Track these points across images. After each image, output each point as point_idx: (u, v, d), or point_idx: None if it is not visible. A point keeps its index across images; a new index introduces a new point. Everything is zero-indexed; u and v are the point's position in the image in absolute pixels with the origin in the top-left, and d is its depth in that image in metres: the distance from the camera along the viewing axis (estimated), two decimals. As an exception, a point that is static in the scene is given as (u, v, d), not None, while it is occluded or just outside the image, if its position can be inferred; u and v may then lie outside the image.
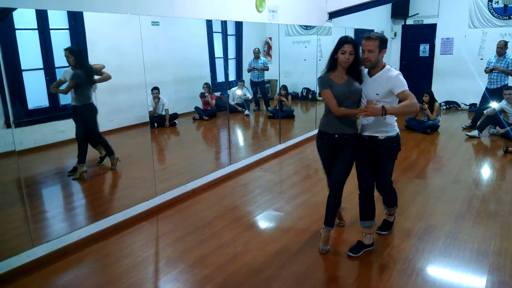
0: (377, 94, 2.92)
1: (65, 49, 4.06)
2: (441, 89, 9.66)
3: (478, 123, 7.15)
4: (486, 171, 5.29)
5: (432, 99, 7.31)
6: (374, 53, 2.87)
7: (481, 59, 9.19)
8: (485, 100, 7.36)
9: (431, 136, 7.12)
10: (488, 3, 9.03)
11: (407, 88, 2.85)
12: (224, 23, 5.52)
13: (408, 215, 3.87)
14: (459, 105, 9.84)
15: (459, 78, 9.70)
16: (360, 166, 3.19)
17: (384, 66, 2.96)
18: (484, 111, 7.02)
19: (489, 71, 7.17)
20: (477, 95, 8.33)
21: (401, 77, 2.90)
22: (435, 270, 3.01)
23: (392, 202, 3.45)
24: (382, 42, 2.88)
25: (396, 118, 3.05)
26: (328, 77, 3.07)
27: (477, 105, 8.24)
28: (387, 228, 3.57)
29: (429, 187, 4.70)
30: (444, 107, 9.83)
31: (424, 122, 7.34)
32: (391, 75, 2.89)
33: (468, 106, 9.62)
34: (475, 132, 6.88)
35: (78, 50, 4.27)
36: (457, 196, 4.32)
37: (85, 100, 4.27)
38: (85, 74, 4.16)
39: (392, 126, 3.02)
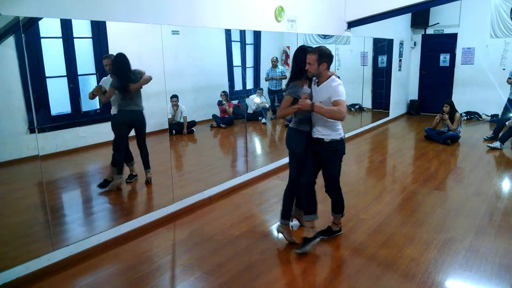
0: (321, 102, 3.21)
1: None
2: (462, 100, 9.51)
3: (500, 134, 7.00)
4: (508, 184, 5.16)
5: (453, 110, 7.20)
6: (313, 65, 3.21)
7: (503, 69, 9.03)
8: (507, 111, 7.21)
9: (452, 147, 7.00)
10: (510, 13, 8.88)
11: (343, 98, 3.16)
12: (243, 33, 5.57)
13: (427, 227, 3.80)
14: (480, 116, 9.67)
15: (481, 89, 9.54)
16: (307, 163, 3.46)
17: (329, 77, 3.27)
18: (506, 122, 6.87)
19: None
20: (499, 106, 8.18)
21: (341, 87, 3.20)
22: (455, 284, 2.94)
23: (338, 206, 3.60)
24: (321, 56, 3.19)
25: (340, 125, 3.35)
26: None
27: (499, 116, 8.08)
28: (326, 234, 3.64)
29: (449, 199, 4.62)
30: (465, 118, 9.67)
31: (444, 133, 7.22)
32: (331, 85, 3.22)
33: (490, 117, 9.44)
34: (496, 144, 6.73)
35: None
36: (478, 208, 4.23)
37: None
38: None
39: (336, 131, 3.33)
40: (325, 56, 3.22)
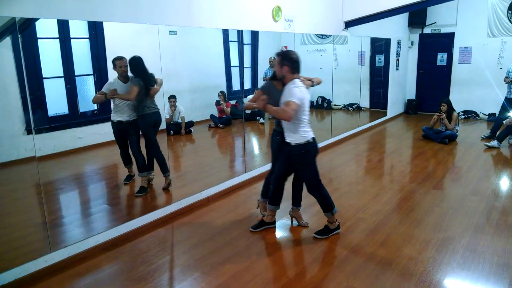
0: (282, 103, 3.35)
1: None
2: (459, 99, 9.53)
3: (497, 133, 7.01)
4: (505, 183, 5.17)
5: (450, 109, 7.22)
6: (277, 68, 3.40)
7: (501, 68, 9.05)
8: (504, 110, 7.23)
9: (449, 146, 7.02)
10: (507, 12, 8.91)
11: (293, 99, 3.23)
12: (240, 33, 5.57)
13: (425, 227, 3.81)
14: (477, 115, 9.69)
15: (478, 88, 9.56)
16: (280, 158, 3.66)
17: (291, 80, 3.37)
18: (504, 121, 6.89)
19: (509, 81, 7.06)
20: (496, 104, 8.21)
21: (295, 90, 3.29)
22: (454, 283, 2.95)
23: (323, 206, 3.63)
24: (283, 59, 3.37)
25: (305, 128, 3.40)
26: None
27: (496, 115, 8.10)
28: (323, 233, 3.67)
29: (447, 198, 4.62)
30: (462, 117, 9.69)
31: (442, 132, 7.24)
32: (289, 87, 3.35)
33: (487, 116, 9.46)
34: (494, 143, 6.75)
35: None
36: (476, 207, 4.24)
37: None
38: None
39: (300, 133, 3.40)
40: (286, 60, 3.36)
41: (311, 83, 3.64)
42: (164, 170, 4.51)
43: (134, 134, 4.39)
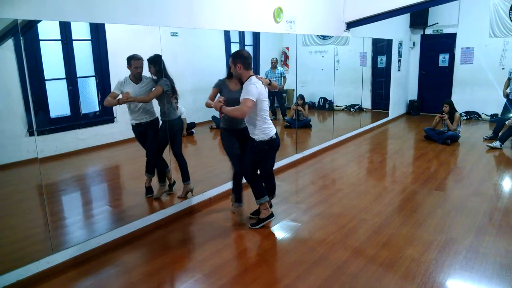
0: (240, 101, 3.48)
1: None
2: (461, 99, 9.52)
3: (500, 134, 7.00)
4: (508, 183, 5.16)
5: (452, 109, 7.20)
6: (232, 67, 3.57)
7: (503, 68, 9.04)
8: (506, 110, 7.21)
9: (451, 147, 7.00)
10: (509, 12, 8.89)
11: (249, 97, 3.40)
12: (242, 34, 5.57)
13: (427, 228, 3.80)
14: (479, 116, 9.67)
15: (480, 88, 9.55)
16: (245, 157, 3.87)
17: (248, 77, 3.54)
18: (506, 122, 6.87)
19: (507, 93, 7.16)
20: (498, 105, 8.18)
21: (251, 87, 3.43)
22: (456, 285, 2.94)
23: (255, 193, 3.91)
24: (234, 57, 3.55)
25: (266, 124, 3.62)
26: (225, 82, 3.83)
27: (499, 116, 8.09)
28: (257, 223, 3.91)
29: (449, 199, 4.61)
30: (465, 118, 9.67)
31: (444, 133, 7.22)
32: (245, 85, 3.50)
33: (489, 117, 9.44)
34: (496, 143, 6.73)
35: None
36: (478, 208, 4.22)
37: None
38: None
39: (262, 131, 3.62)
40: (236, 57, 3.53)
41: (269, 81, 3.74)
42: (185, 178, 4.44)
43: (152, 136, 4.26)
